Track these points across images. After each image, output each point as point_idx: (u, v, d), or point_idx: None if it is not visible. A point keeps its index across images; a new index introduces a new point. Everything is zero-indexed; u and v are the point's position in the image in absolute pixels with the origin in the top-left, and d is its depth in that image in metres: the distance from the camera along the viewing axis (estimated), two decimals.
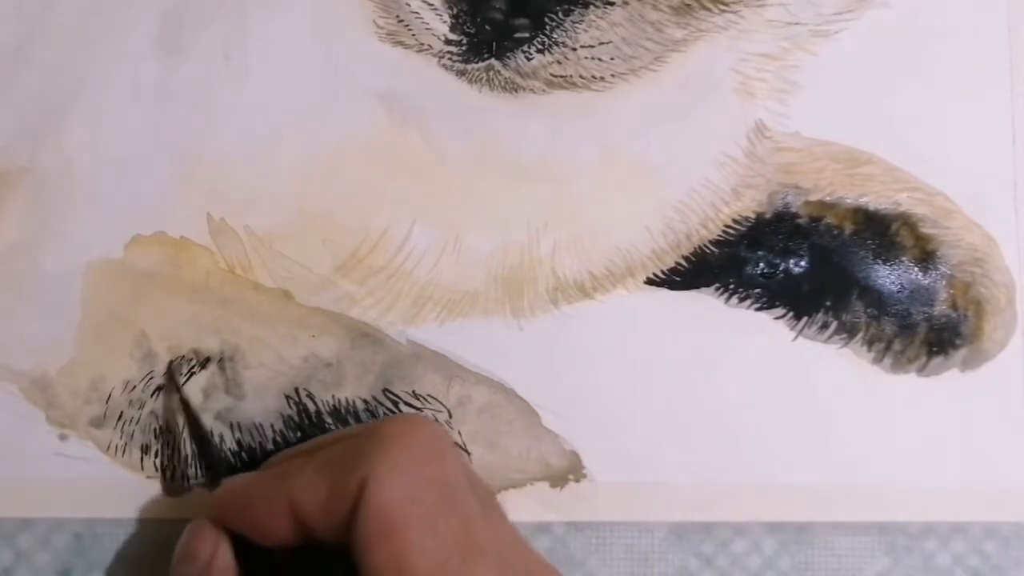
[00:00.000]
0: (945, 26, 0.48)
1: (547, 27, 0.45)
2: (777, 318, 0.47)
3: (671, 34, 0.46)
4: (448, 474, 0.37)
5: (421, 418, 0.38)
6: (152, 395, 0.45)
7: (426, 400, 0.46)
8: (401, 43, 0.46)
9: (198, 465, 0.44)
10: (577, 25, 0.45)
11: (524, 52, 0.45)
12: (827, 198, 0.47)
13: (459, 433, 0.46)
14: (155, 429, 0.45)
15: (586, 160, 0.47)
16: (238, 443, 0.45)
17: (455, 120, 0.46)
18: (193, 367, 0.45)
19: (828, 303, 0.47)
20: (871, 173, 0.47)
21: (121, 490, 0.45)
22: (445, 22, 0.45)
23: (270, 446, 0.45)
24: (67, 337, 0.45)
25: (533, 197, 0.47)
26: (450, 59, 0.46)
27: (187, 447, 0.45)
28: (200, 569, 0.39)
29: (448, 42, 0.46)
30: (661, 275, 0.47)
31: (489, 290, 0.46)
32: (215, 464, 0.44)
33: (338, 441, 0.39)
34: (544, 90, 0.46)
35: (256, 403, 0.45)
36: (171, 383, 0.45)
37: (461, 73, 0.46)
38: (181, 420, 0.44)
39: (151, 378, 0.45)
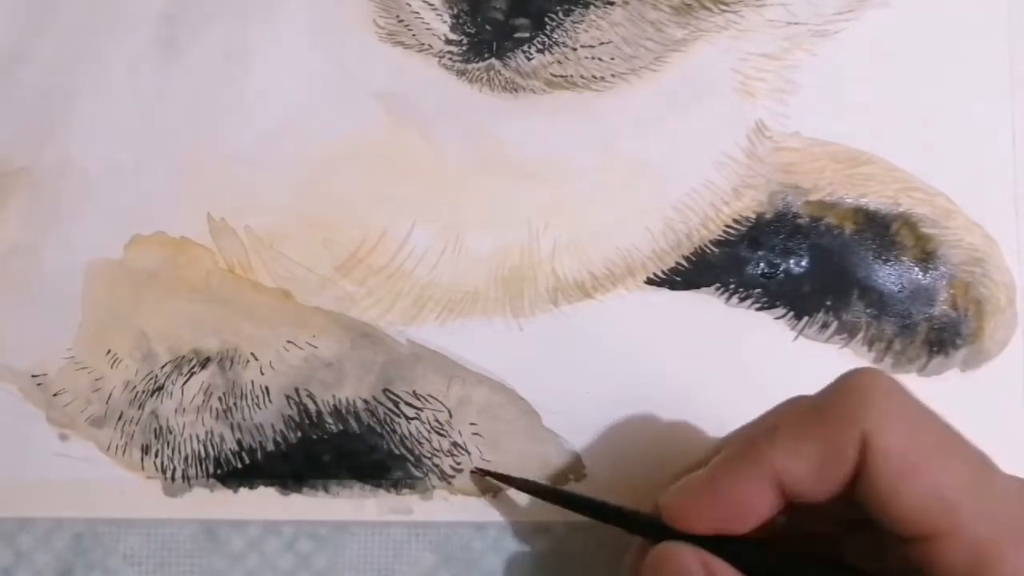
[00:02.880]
0: (945, 26, 0.48)
1: (547, 27, 0.45)
2: (777, 318, 0.47)
3: (671, 34, 0.46)
4: (927, 410, 0.37)
5: (878, 371, 0.38)
6: (152, 395, 0.45)
7: (426, 400, 0.46)
8: (401, 43, 0.46)
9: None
10: (577, 25, 0.45)
11: (524, 52, 0.45)
12: (827, 198, 0.47)
13: (459, 433, 0.46)
14: (155, 429, 0.45)
15: (586, 160, 0.47)
16: (238, 443, 0.45)
17: (455, 120, 0.46)
18: (193, 367, 0.45)
19: (828, 303, 0.47)
20: (871, 173, 0.47)
21: (121, 490, 0.45)
22: (445, 22, 0.45)
23: (270, 446, 0.45)
24: (67, 337, 0.45)
25: (533, 197, 0.47)
26: (450, 59, 0.46)
27: (187, 447, 0.45)
28: None
29: (448, 42, 0.46)
30: (661, 275, 0.47)
31: (489, 290, 0.46)
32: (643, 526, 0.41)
33: (789, 412, 0.39)
34: (544, 90, 0.46)
35: (256, 403, 0.45)
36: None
37: (461, 73, 0.46)
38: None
39: (151, 378, 0.45)
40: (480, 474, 0.45)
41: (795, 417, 0.38)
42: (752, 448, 0.37)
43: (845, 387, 0.37)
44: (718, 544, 0.38)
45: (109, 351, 0.45)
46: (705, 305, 0.47)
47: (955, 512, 0.35)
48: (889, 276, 0.47)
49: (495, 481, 0.45)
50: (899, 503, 0.35)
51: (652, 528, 0.39)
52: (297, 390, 0.45)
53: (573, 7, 0.45)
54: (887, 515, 0.36)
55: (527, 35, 0.45)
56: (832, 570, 0.38)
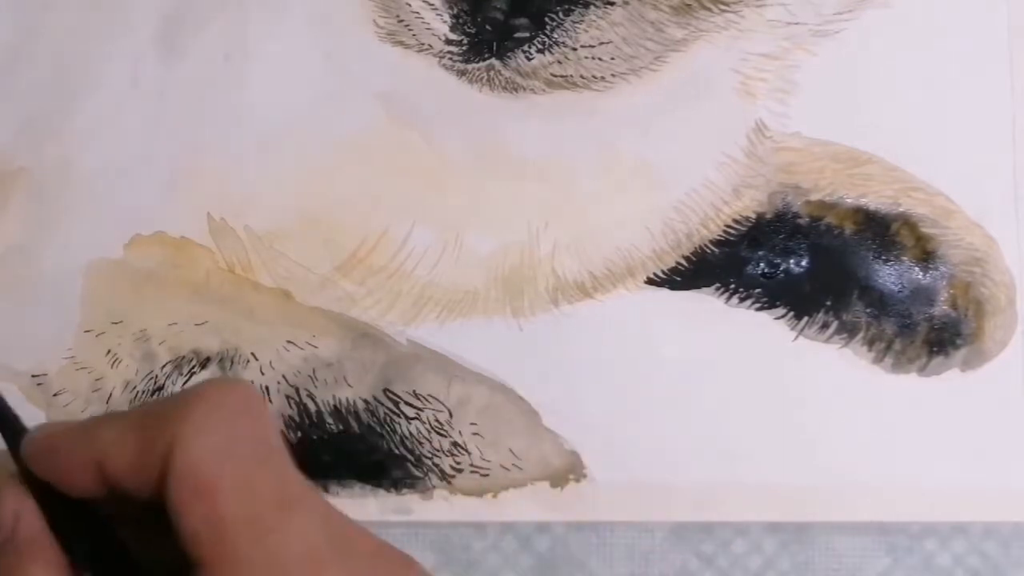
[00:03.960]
0: (945, 26, 0.48)
1: (547, 27, 0.45)
2: (777, 318, 0.47)
3: (671, 34, 0.46)
4: (260, 431, 0.36)
5: (234, 380, 0.37)
6: (152, 395, 0.45)
7: (426, 400, 0.46)
8: (401, 43, 0.46)
9: None
10: (577, 25, 0.45)
11: (524, 52, 0.45)
12: (827, 198, 0.47)
13: (459, 433, 0.46)
14: None
15: (586, 160, 0.47)
16: None
17: (455, 120, 0.46)
18: (193, 367, 0.45)
19: (828, 303, 0.47)
20: (871, 173, 0.47)
21: None
22: (445, 22, 0.45)
23: None
24: (67, 337, 0.45)
25: (533, 197, 0.47)
26: (450, 59, 0.46)
27: None
28: (3, 538, 0.36)
29: (449, 42, 0.46)
30: (661, 275, 0.47)
31: (489, 290, 0.46)
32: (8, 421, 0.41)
33: (152, 401, 0.38)
34: (544, 90, 0.46)
35: None
36: None
37: (461, 73, 0.46)
38: None
39: (151, 378, 0.45)
40: None
41: (133, 410, 0.37)
42: (88, 425, 0.36)
43: (181, 392, 0.37)
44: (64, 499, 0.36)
45: (109, 351, 0.45)
46: (705, 305, 0.47)
47: (226, 545, 0.33)
48: (889, 276, 0.47)
49: None
50: (183, 522, 0.33)
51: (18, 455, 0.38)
52: (297, 390, 0.45)
53: (573, 7, 0.45)
54: (177, 533, 0.33)
55: (527, 35, 0.45)
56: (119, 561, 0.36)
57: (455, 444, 0.46)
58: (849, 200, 0.47)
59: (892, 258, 0.47)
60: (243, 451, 0.35)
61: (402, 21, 0.46)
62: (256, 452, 0.35)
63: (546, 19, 0.45)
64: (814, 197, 0.47)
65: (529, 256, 0.46)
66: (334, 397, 0.45)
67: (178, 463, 0.34)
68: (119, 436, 0.35)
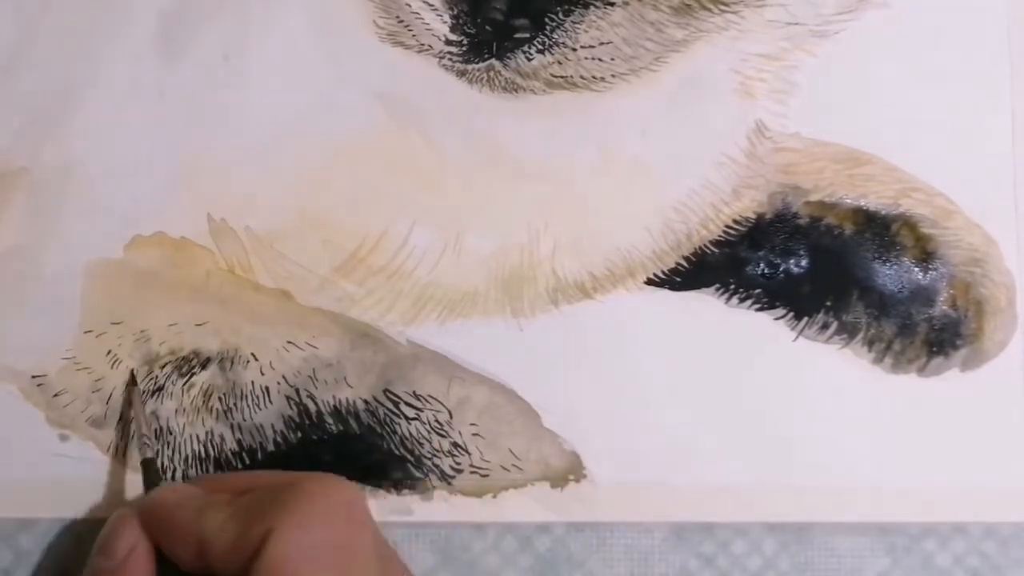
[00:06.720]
0: (945, 26, 0.48)
1: (547, 27, 0.45)
2: (777, 318, 0.47)
3: (671, 34, 0.46)
4: (352, 541, 0.38)
5: (339, 480, 0.40)
6: (152, 396, 0.45)
7: (426, 400, 0.46)
8: (401, 43, 0.46)
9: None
10: (577, 25, 0.45)
11: (524, 52, 0.45)
12: (827, 198, 0.47)
13: (459, 433, 0.46)
14: (155, 430, 0.45)
15: (586, 160, 0.47)
16: (238, 444, 0.45)
17: (455, 120, 0.46)
18: (193, 367, 0.45)
19: (828, 303, 0.47)
20: (871, 173, 0.47)
21: (121, 490, 0.45)
22: (445, 22, 0.45)
23: (271, 447, 0.45)
24: (67, 337, 0.45)
25: (533, 197, 0.47)
26: (450, 59, 0.46)
27: (188, 448, 0.45)
28: (115, 566, 0.40)
29: (448, 42, 0.46)
30: (661, 275, 0.47)
31: (489, 290, 0.46)
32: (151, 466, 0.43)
33: (264, 487, 0.40)
34: (544, 90, 0.46)
35: (256, 404, 0.45)
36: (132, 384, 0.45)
37: (461, 73, 0.46)
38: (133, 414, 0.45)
39: (151, 378, 0.45)
40: None
41: (243, 499, 0.39)
42: (201, 507, 0.39)
43: (289, 483, 0.39)
44: None
45: (109, 351, 0.45)
46: (705, 306, 0.47)
47: None
48: (889, 276, 0.47)
49: None
50: None
51: None
52: (297, 391, 0.45)
53: (573, 7, 0.45)
54: None
55: (527, 35, 0.45)
56: None
57: (455, 445, 0.46)
58: (849, 200, 0.47)
59: (892, 258, 0.47)
60: (327, 557, 0.37)
61: (402, 21, 0.46)
62: (341, 562, 0.37)
63: (546, 19, 0.45)
64: (814, 197, 0.47)
65: (529, 256, 0.46)
66: (334, 397, 0.45)
67: (265, 556, 0.36)
68: (224, 522, 0.38)
